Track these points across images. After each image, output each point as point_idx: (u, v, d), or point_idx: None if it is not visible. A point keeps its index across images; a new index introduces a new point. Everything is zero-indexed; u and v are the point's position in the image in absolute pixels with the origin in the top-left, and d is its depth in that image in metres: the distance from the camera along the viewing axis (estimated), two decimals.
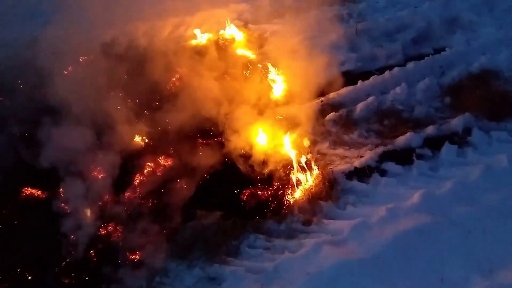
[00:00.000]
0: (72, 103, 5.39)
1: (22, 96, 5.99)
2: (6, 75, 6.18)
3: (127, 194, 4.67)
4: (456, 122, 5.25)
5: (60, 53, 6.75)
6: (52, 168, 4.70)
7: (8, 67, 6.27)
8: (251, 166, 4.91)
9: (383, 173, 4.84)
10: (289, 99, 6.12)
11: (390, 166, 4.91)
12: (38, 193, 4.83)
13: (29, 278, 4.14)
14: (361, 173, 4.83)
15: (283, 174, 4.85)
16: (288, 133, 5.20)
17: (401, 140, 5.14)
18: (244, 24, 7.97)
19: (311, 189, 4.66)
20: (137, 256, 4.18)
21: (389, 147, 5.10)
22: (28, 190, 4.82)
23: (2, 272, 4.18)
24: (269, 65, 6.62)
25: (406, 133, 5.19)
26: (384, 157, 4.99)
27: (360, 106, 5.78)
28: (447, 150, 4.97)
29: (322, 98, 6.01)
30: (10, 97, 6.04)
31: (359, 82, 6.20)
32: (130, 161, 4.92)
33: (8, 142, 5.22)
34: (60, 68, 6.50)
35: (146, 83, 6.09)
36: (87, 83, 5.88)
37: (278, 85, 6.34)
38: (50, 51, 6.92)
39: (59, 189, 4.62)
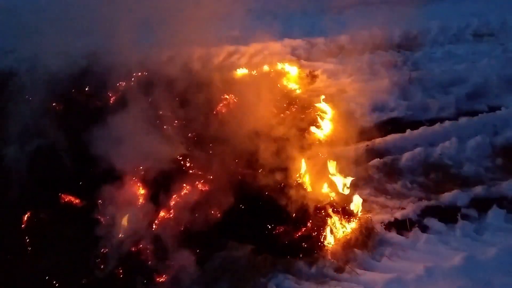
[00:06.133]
0: (119, 116, 5.47)
1: (75, 104, 6.16)
2: (63, 82, 6.38)
3: (160, 214, 4.64)
4: (507, 186, 5.04)
5: (115, 67, 6.93)
6: (92, 177, 4.76)
7: (66, 75, 6.48)
8: (288, 203, 4.79)
9: (424, 228, 4.66)
10: (333, 139, 6.05)
11: (432, 222, 4.72)
12: (76, 201, 4.88)
13: (55, 285, 4.14)
14: (401, 226, 4.67)
15: (319, 215, 4.71)
16: (329, 174, 5.10)
17: (447, 197, 4.96)
18: (296, 59, 8.02)
19: (347, 235, 4.52)
20: (163, 279, 4.13)
21: (433, 202, 4.93)
22: (67, 197, 4.88)
23: (27, 276, 4.19)
24: (316, 103, 6.60)
25: (453, 190, 5.03)
26: (427, 212, 4.81)
27: (406, 156, 5.65)
28: (495, 214, 4.75)
29: (368, 143, 5.90)
30: (63, 104, 6.22)
31: (408, 131, 6.08)
32: (167, 181, 4.89)
33: (54, 148, 5.31)
34: (113, 81, 6.67)
35: (193, 106, 6.16)
36: (136, 98, 5.98)
37: (324, 123, 6.28)
38: (106, 64, 7.14)
39: (96, 200, 4.64)
